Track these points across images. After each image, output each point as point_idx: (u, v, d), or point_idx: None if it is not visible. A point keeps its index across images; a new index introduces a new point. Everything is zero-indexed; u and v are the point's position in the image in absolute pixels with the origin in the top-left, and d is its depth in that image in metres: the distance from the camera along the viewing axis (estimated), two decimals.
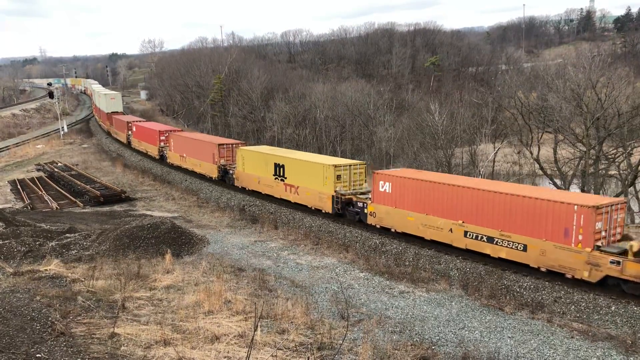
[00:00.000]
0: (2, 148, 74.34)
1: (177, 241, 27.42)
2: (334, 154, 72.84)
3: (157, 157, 55.94)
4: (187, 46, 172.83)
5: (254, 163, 39.31)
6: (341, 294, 21.17)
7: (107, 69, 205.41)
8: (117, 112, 78.68)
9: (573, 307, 20.59)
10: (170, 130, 55.98)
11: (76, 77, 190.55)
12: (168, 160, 53.17)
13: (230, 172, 42.88)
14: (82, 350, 12.95)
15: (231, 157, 43.89)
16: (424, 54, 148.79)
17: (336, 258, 27.29)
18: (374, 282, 23.52)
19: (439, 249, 26.70)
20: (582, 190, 45.75)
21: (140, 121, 68.15)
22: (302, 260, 26.92)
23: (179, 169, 51.01)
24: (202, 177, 46.70)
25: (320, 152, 72.20)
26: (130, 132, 65.69)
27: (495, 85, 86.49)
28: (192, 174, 48.42)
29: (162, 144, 55.27)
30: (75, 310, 15.94)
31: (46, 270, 20.65)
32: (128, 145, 66.75)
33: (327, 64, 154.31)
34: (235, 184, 41.90)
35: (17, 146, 74.98)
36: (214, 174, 44.44)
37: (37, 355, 12.31)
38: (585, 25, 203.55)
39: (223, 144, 44.21)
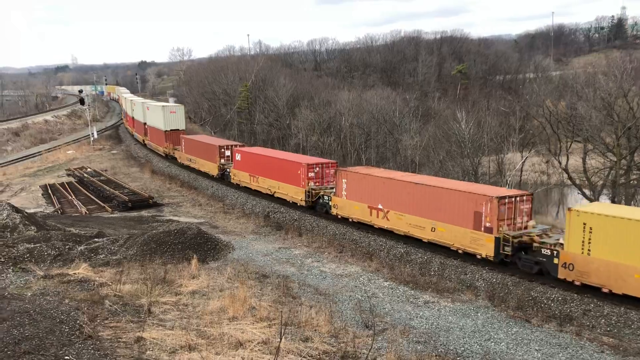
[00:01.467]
0: (35, 153, 76.11)
1: (203, 247, 27.66)
2: (358, 162, 72.67)
3: (306, 202, 36.71)
4: (215, 54, 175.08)
5: None
6: (365, 302, 21.08)
7: (137, 76, 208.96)
8: (179, 129, 62.43)
9: (603, 320, 20.14)
10: (326, 164, 37.63)
11: (106, 84, 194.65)
12: (336, 212, 34.18)
13: (552, 254, 23.01)
14: (108, 353, 13.13)
15: (511, 221, 25.02)
16: (451, 62, 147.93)
17: (360, 266, 27.20)
18: (399, 292, 23.36)
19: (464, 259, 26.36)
20: (613, 201, 44.77)
21: (239, 145, 50.91)
22: (326, 268, 26.89)
23: (365, 226, 32.10)
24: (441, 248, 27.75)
25: (344, 160, 71.95)
26: (224, 161, 48.74)
27: (523, 93, 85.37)
28: (411, 240, 29.29)
29: (312, 183, 36.62)
30: (103, 313, 16.18)
31: (75, 273, 21.02)
32: (220, 178, 49.15)
33: (353, 72, 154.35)
34: (576, 280, 22.14)
35: (48, 152, 76.66)
36: (485, 250, 25.14)
37: (66, 357, 12.52)
38: (616, 33, 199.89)
39: (503, 198, 24.80)
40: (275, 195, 40.41)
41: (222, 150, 49.08)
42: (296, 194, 37.65)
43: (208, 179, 50.68)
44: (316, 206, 36.69)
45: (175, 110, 63.92)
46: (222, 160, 48.95)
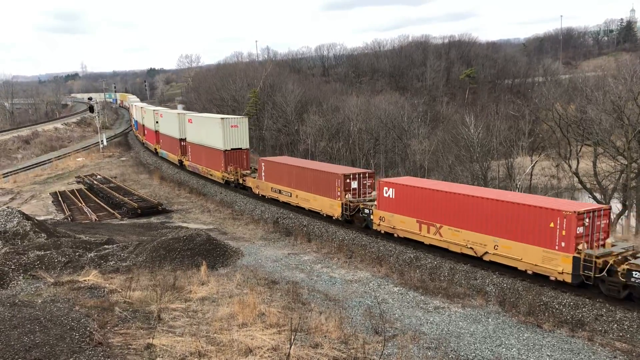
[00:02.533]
0: (45, 161, 76.69)
1: (212, 253, 27.68)
2: (367, 166, 72.63)
3: (576, 277, 21.82)
4: (223, 61, 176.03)
5: None
6: (375, 308, 20.99)
7: (146, 83, 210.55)
8: (242, 148, 49.69)
9: (615, 325, 19.92)
10: (598, 211, 22.62)
11: (115, 91, 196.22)
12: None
13: None
14: None
15: None
16: (459, 66, 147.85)
17: (370, 272, 27.10)
18: (409, 297, 23.24)
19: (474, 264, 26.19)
20: (624, 205, 44.50)
21: (369, 173, 35.48)
22: (335, 273, 26.82)
23: None
24: None
25: (353, 165, 71.98)
26: (352, 197, 34.31)
27: (532, 97, 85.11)
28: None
29: (582, 244, 21.96)
30: (113, 320, 16.21)
31: (85, 280, 21.09)
32: (346, 222, 34.79)
33: (361, 77, 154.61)
34: None
35: (58, 159, 77.23)
36: None
37: None
38: (625, 36, 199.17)
39: None
40: (486, 258, 25.69)
41: (348, 181, 34.30)
42: (551, 262, 22.62)
43: (324, 220, 36.24)
44: (605, 283, 21.33)
45: (238, 124, 50.05)
46: (349, 196, 34.26)
